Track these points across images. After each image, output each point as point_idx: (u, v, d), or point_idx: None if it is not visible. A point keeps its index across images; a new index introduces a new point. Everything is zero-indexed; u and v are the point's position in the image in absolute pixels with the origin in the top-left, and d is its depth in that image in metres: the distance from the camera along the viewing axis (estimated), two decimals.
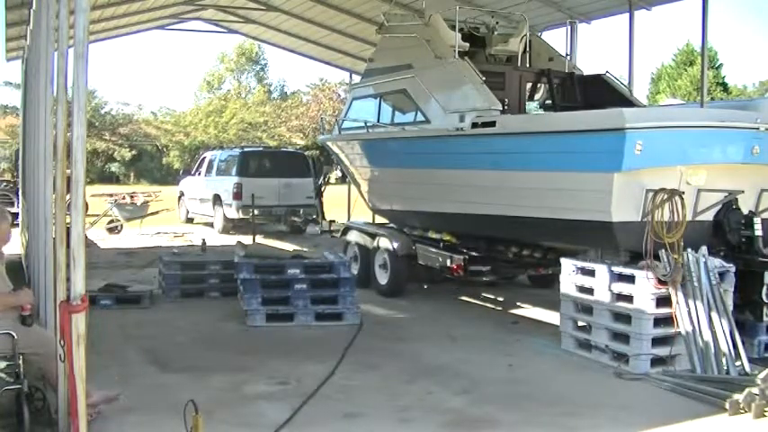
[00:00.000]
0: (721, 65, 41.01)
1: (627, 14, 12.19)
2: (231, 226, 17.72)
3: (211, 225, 18.68)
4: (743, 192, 7.16)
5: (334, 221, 15.26)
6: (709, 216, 7.12)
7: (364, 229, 11.19)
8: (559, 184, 7.37)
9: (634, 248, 6.94)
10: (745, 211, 7.20)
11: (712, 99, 30.05)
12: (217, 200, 18.26)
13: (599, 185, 6.89)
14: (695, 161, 7.00)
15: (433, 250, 9.67)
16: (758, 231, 7.05)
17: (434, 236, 10.08)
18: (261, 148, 21.85)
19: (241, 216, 17.06)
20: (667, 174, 6.84)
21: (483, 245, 9.46)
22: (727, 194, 7.14)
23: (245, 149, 19.23)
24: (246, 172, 17.74)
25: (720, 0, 49.88)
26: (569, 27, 11.25)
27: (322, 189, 16.04)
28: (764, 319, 7.01)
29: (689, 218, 6.79)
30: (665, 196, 6.72)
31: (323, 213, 17.23)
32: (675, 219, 6.70)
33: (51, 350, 4.71)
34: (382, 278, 10.44)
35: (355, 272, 10.65)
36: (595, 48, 54.69)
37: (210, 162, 19.56)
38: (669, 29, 71.34)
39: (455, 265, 9.05)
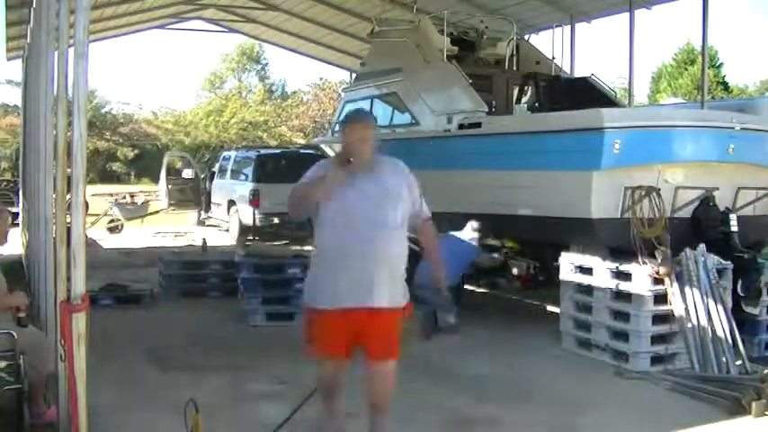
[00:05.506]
0: (722, 64, 40.87)
1: (627, 14, 12.19)
2: (248, 233, 16.11)
3: (226, 231, 17.60)
4: (717, 189, 7.29)
5: None
6: (687, 213, 7.25)
7: (408, 236, 10.42)
8: (542, 182, 7.55)
9: (614, 244, 7.13)
10: (722, 208, 7.32)
11: (713, 98, 29.99)
12: (231, 205, 17.16)
13: (579, 183, 7.09)
14: (672, 160, 7.23)
15: (497, 256, 9.10)
16: (734, 228, 7.19)
17: (494, 242, 9.40)
18: (278, 151, 19.66)
19: (259, 224, 15.83)
20: (645, 172, 7.02)
21: (549, 253, 8.58)
22: (704, 192, 7.25)
23: (261, 152, 17.83)
24: (263, 176, 16.11)
25: None
26: (570, 26, 11.31)
27: None
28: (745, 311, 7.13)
29: (667, 214, 6.95)
30: (643, 193, 6.90)
31: None
32: (654, 215, 6.88)
33: (40, 351, 4.75)
34: None
35: None
36: (595, 47, 54.47)
37: (223, 164, 18.56)
38: (669, 28, 71.28)
39: (523, 275, 8.66)
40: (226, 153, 19.70)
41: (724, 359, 6.42)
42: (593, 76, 10.27)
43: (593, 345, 7.07)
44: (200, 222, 19.89)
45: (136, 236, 17.43)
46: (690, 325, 6.56)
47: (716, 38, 55.22)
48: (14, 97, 43.30)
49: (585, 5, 13.02)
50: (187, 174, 19.63)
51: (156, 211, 18.59)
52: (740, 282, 7.06)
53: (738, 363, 6.48)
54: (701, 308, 6.57)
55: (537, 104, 10.24)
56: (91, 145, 40.15)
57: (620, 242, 6.97)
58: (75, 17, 4.06)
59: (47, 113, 6.22)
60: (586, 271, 7.25)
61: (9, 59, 16.24)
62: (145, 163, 49.46)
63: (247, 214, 16.01)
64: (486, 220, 8.47)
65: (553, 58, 10.73)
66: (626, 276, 6.83)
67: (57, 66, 4.99)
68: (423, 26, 10.07)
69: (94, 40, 16.23)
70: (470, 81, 9.06)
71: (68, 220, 4.39)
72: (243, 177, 16.94)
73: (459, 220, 9.06)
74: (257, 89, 56.31)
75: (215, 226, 18.81)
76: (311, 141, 18.12)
